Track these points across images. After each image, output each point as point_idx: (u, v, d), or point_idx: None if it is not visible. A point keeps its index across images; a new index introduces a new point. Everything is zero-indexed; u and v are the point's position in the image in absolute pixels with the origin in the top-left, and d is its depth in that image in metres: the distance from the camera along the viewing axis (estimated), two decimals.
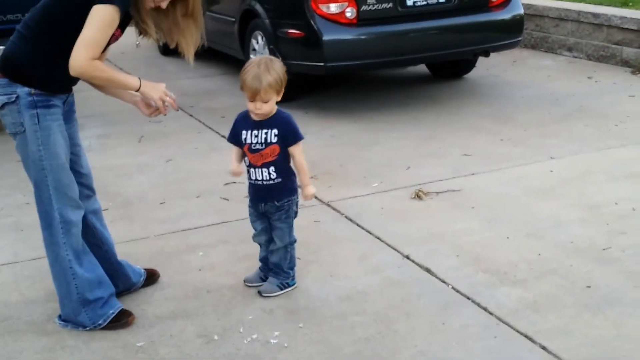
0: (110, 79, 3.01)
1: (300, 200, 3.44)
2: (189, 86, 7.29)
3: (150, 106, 3.21)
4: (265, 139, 3.24)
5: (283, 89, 3.24)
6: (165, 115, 3.25)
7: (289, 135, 3.25)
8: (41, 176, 3.03)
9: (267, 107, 3.21)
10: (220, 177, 4.84)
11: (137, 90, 3.08)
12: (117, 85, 3.10)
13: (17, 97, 2.96)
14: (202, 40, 3.22)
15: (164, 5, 3.05)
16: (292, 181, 3.36)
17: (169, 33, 3.15)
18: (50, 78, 3.00)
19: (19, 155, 3.08)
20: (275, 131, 3.24)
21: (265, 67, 3.17)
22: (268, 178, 3.28)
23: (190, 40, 3.17)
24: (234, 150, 3.36)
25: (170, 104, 3.13)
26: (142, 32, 3.12)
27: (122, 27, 3.00)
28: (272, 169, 3.26)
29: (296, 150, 3.28)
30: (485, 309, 3.19)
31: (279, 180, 3.28)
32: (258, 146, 3.26)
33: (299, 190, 3.40)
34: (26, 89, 2.95)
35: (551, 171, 4.75)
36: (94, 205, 3.34)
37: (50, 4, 2.99)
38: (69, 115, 3.14)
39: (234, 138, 3.34)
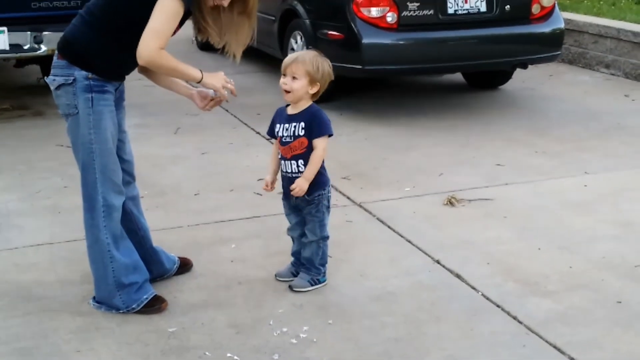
0: (176, 69, 3.07)
1: (333, 198, 3.46)
2: None
3: (205, 98, 3.28)
4: (294, 131, 3.30)
5: (319, 85, 3.26)
6: (227, 102, 3.34)
7: (314, 127, 3.28)
8: (89, 159, 3.09)
9: (296, 84, 3.24)
10: (254, 173, 4.89)
11: (200, 82, 3.13)
12: (181, 75, 3.16)
13: (74, 80, 3.03)
14: (253, 40, 3.26)
15: (225, 3, 3.11)
16: (322, 174, 3.36)
17: (221, 31, 3.18)
18: (109, 65, 3.07)
19: (69, 137, 3.14)
20: (302, 124, 3.29)
21: (307, 51, 3.32)
22: (297, 171, 3.32)
23: (242, 39, 3.22)
24: (272, 157, 3.43)
25: (231, 90, 3.20)
26: (200, 30, 3.17)
27: (180, 23, 3.05)
28: (300, 162, 3.31)
29: (319, 143, 3.28)
30: (515, 318, 3.20)
31: None
32: (288, 139, 3.31)
33: (330, 185, 3.43)
34: (83, 73, 3.02)
35: (585, 186, 4.74)
36: (132, 191, 3.40)
37: None
38: (118, 102, 3.21)
39: (271, 131, 3.42)
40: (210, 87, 3.19)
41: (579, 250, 3.83)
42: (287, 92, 3.28)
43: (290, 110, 3.33)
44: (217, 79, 3.17)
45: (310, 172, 3.29)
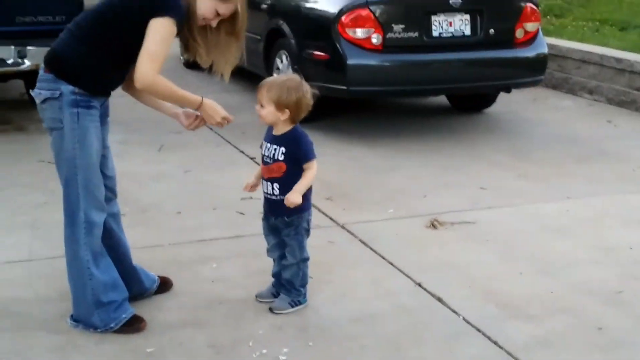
0: (172, 95, 3.09)
1: (316, 219, 3.45)
2: None
3: (190, 117, 3.26)
4: (274, 154, 3.28)
5: (290, 113, 3.23)
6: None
7: (299, 155, 3.27)
8: (72, 174, 3.06)
9: (264, 112, 3.24)
10: (237, 191, 4.80)
11: (198, 109, 3.15)
12: (178, 101, 3.17)
13: (61, 94, 3.01)
14: (241, 60, 3.26)
15: (214, 23, 3.12)
16: (304, 197, 3.32)
17: (209, 51, 3.19)
18: (96, 80, 3.06)
19: (52, 151, 3.12)
20: (283, 149, 3.27)
21: (282, 79, 3.32)
22: (271, 193, 3.32)
23: (230, 58, 3.23)
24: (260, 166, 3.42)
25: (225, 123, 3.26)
26: (188, 48, 3.18)
27: None
28: (276, 185, 3.29)
29: (309, 167, 3.27)
30: (495, 342, 3.19)
31: (282, 197, 3.28)
32: (268, 160, 3.31)
33: (311, 209, 3.42)
34: (70, 87, 3.01)
35: (567, 210, 4.75)
36: (113, 208, 3.37)
37: (104, 9, 3.06)
38: (103, 118, 3.19)
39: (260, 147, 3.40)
40: (207, 118, 3.20)
41: (560, 275, 3.84)
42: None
43: (275, 132, 3.32)
44: (216, 116, 3.20)
45: (302, 185, 3.24)
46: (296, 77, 3.31)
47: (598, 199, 4.99)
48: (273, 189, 3.30)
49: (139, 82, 2.96)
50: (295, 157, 3.26)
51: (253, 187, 3.44)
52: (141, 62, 2.93)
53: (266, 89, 3.23)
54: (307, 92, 3.27)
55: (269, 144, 3.31)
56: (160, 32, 2.95)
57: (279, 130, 3.29)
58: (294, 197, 3.23)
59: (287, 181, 3.27)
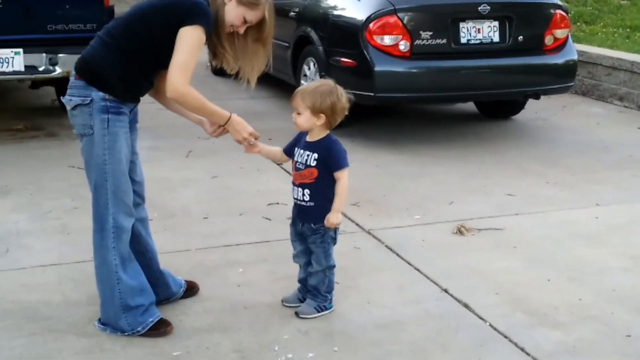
0: (202, 108, 3.13)
1: (342, 224, 3.45)
2: (239, 107, 7.36)
3: (214, 124, 3.29)
4: (306, 160, 3.30)
5: (326, 117, 3.24)
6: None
7: (331, 162, 3.29)
8: (102, 180, 3.10)
9: (300, 120, 3.27)
10: (264, 197, 4.89)
11: (225, 124, 3.19)
12: (207, 114, 3.20)
13: (91, 101, 3.05)
14: (268, 67, 3.29)
15: (241, 30, 3.16)
16: (330, 207, 3.34)
17: (236, 57, 3.21)
18: (126, 87, 3.10)
19: (83, 157, 3.16)
20: (315, 155, 3.29)
21: (316, 84, 3.30)
22: (301, 199, 3.33)
23: (257, 65, 3.26)
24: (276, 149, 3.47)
25: (252, 140, 3.28)
26: (216, 55, 3.21)
27: None
28: (306, 191, 3.31)
29: (340, 176, 3.30)
30: (522, 349, 3.16)
31: (312, 203, 3.31)
32: (300, 165, 3.33)
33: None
34: (101, 94, 3.05)
35: (596, 217, 4.70)
36: (141, 213, 3.40)
37: (135, 17, 3.10)
38: (132, 124, 3.23)
39: (289, 149, 3.42)
40: (233, 133, 3.23)
41: (589, 282, 3.80)
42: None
43: (308, 138, 3.34)
44: (239, 133, 3.23)
45: (339, 203, 3.30)
46: (330, 82, 3.33)
47: (628, 206, 4.93)
48: (303, 194, 3.32)
49: (170, 92, 2.99)
50: (327, 164, 3.28)
51: (253, 143, 3.35)
52: (172, 73, 2.97)
53: (300, 96, 3.25)
54: (342, 96, 3.28)
55: (302, 150, 3.34)
56: (189, 42, 2.99)
57: (313, 137, 3.31)
58: (334, 218, 3.29)
59: (318, 187, 3.29)
